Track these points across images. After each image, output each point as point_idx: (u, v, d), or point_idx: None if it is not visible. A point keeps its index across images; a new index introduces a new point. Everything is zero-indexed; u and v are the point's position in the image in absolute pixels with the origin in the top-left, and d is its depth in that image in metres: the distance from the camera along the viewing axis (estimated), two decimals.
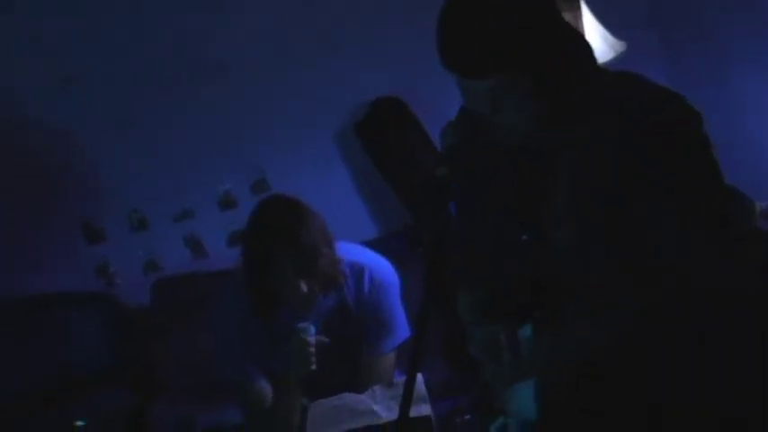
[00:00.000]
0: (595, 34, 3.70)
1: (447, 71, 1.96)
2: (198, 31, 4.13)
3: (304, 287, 2.76)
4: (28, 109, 4.14)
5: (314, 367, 2.81)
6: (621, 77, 2.03)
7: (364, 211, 4.29)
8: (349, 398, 2.75)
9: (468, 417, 2.62)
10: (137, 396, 4.01)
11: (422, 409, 2.47)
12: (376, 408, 2.67)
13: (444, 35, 1.94)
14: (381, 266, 2.95)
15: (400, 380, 2.79)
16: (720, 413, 1.87)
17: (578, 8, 3.56)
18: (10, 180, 4.19)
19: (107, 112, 4.17)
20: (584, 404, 1.98)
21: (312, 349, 2.80)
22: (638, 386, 1.94)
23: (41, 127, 4.15)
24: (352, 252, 2.98)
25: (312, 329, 2.82)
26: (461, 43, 1.91)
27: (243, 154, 4.26)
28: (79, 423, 3.28)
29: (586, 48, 1.99)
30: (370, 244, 3.29)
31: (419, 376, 2.52)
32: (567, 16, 3.73)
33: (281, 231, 2.76)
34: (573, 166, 1.95)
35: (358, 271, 2.94)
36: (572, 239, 1.95)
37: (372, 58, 4.11)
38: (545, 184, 2.00)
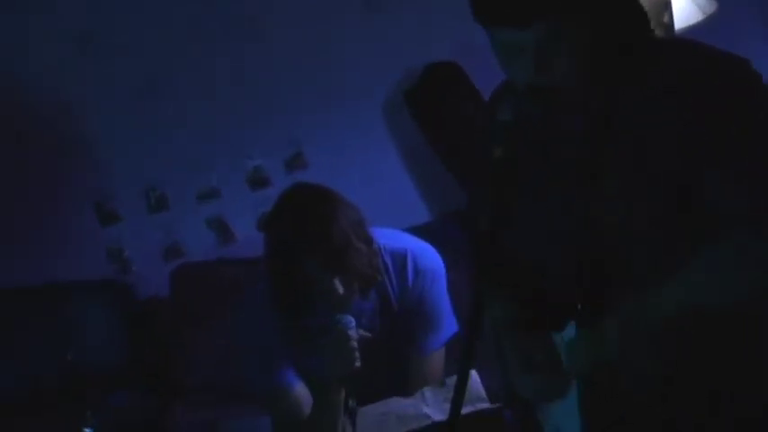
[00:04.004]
0: None
1: (486, 24, 1.94)
2: None
3: (340, 287, 2.83)
4: (32, 73, 4.20)
5: (358, 364, 2.85)
6: (678, 42, 2.11)
7: (414, 192, 4.37)
8: (396, 402, 2.88)
9: None
10: (152, 398, 4.07)
11: (481, 407, 2.59)
12: (427, 410, 2.80)
13: None
14: (425, 253, 3.03)
15: (452, 380, 2.81)
16: None
17: None
18: (12, 154, 4.26)
19: (122, 76, 4.23)
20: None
21: (354, 343, 2.85)
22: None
23: (49, 92, 4.22)
24: (392, 239, 3.05)
25: (353, 322, 2.86)
26: None
27: (276, 125, 4.30)
28: (87, 430, 3.28)
29: (639, 6, 2.03)
30: (421, 230, 3.41)
31: (473, 374, 2.67)
32: None
33: (306, 228, 2.83)
34: (625, 132, 1.98)
35: (400, 260, 3.01)
36: (628, 212, 1.98)
37: (425, 17, 4.14)
38: (593, 157, 2.02)
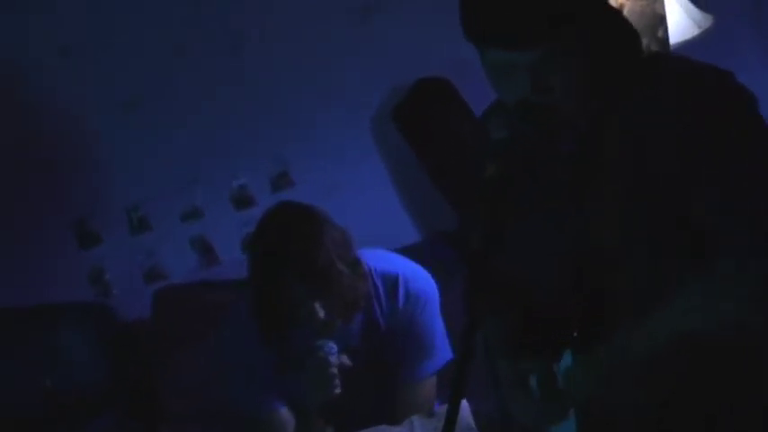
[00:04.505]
0: (676, 7, 3.79)
1: (478, 45, 1.95)
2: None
3: (321, 312, 2.83)
4: (12, 86, 4.14)
5: (338, 391, 2.86)
6: (667, 58, 2.18)
7: (403, 212, 4.33)
8: (384, 431, 2.88)
9: None
10: (138, 422, 4.04)
11: None
12: None
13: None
14: (418, 277, 3.04)
15: (441, 409, 2.88)
16: None
17: None
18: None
19: (104, 93, 4.17)
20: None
21: (334, 370, 2.85)
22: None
23: (29, 108, 4.16)
24: (383, 260, 3.06)
25: (334, 347, 2.87)
26: (505, 5, 1.91)
27: (261, 142, 4.24)
28: None
29: (629, 24, 2.08)
30: (410, 250, 3.40)
31: (464, 404, 2.62)
32: None
33: (289, 248, 2.84)
34: (617, 145, 2.00)
35: (391, 283, 3.02)
36: (624, 228, 1.99)
37: (416, 32, 4.08)
38: (588, 173, 2.04)
